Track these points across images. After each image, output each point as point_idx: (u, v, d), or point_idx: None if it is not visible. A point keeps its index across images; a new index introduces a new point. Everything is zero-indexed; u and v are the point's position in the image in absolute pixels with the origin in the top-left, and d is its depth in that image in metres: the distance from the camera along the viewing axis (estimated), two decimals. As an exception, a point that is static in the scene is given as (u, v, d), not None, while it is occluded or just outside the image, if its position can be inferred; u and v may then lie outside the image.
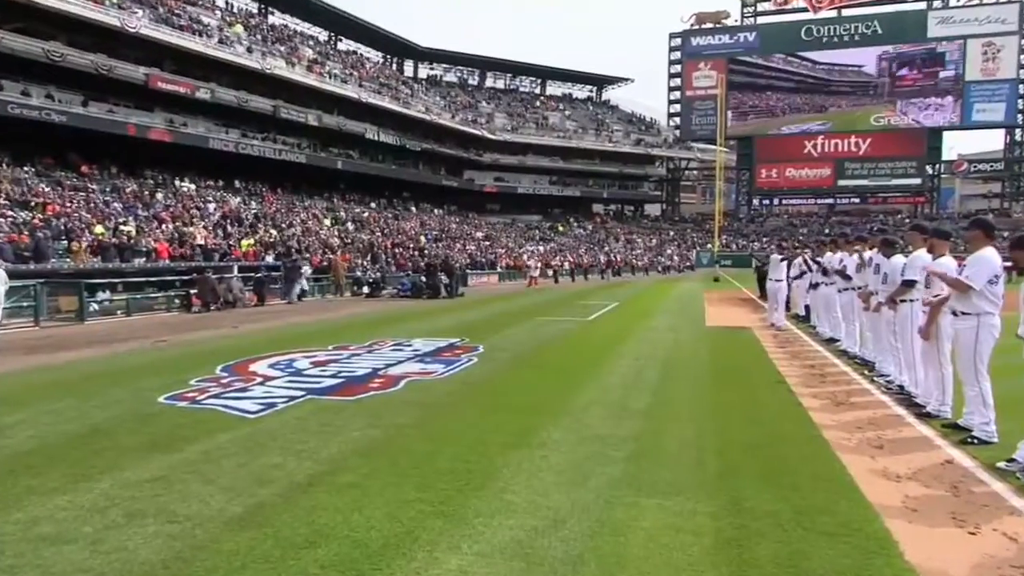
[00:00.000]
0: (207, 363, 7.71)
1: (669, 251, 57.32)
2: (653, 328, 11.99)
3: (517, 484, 3.71)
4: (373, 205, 42.14)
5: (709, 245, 54.07)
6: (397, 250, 31.93)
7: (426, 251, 33.55)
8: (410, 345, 9.43)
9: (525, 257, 38.37)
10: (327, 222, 32.66)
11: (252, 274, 18.99)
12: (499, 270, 37.04)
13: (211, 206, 26.59)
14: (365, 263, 26.69)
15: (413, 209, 46.75)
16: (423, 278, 22.14)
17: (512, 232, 52.60)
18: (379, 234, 34.52)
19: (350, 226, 33.73)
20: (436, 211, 49.47)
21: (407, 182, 47.33)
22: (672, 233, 63.48)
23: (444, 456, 4.21)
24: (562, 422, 5.07)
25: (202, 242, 21.41)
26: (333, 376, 7.00)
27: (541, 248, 48.19)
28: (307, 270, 21.15)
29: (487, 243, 44.36)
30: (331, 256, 24.55)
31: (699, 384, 6.78)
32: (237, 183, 32.62)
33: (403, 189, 47.83)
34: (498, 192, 57.58)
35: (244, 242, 23.33)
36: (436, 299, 20.32)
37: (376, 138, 42.32)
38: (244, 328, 12.08)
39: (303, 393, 6.09)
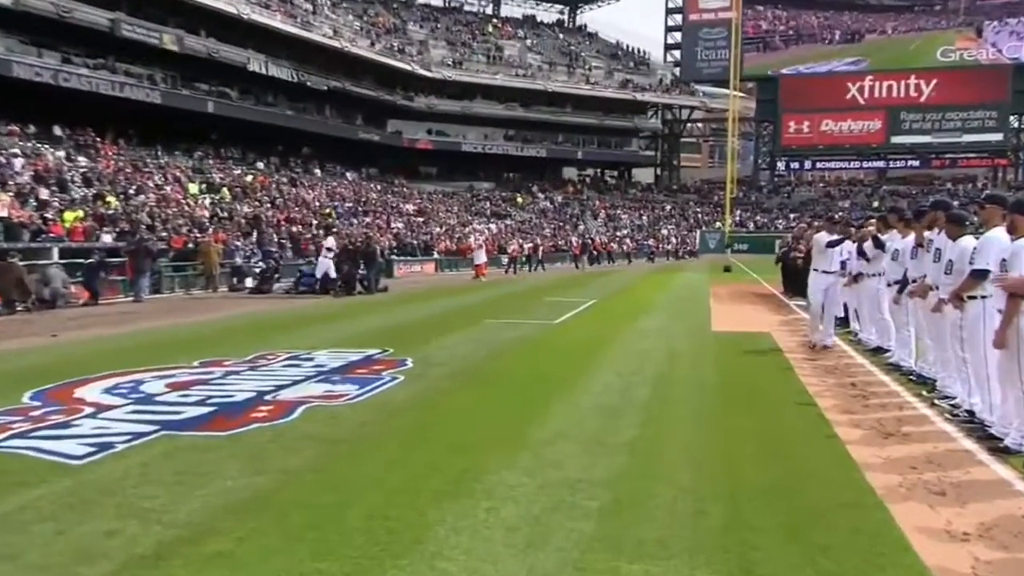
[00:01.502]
0: (9, 388, 7.48)
1: (665, 231, 58.34)
2: (642, 333, 12.22)
3: (455, 547, 3.70)
4: (260, 165, 41.52)
5: (719, 223, 55.22)
6: (295, 228, 31.55)
7: (335, 229, 33.18)
8: (311, 359, 9.47)
9: (471, 239, 38.48)
10: (193, 188, 32.02)
11: (81, 260, 18.66)
12: (436, 256, 37.05)
13: (18, 162, 25.56)
14: (248, 246, 26.27)
15: (317, 171, 46.35)
16: (334, 267, 21.84)
17: (454, 204, 52.61)
18: (268, 205, 34.03)
19: (227, 193, 33.16)
20: (349, 174, 49.10)
21: (308, 133, 46.92)
22: (669, 207, 64.66)
23: (355, 511, 4.19)
24: (518, 461, 5.11)
25: (4, 214, 20.70)
26: (199, 403, 6.97)
27: (493, 227, 48.33)
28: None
29: (420, 220, 44.30)
30: (199, 237, 24.08)
31: (701, 408, 6.91)
32: (57, 129, 31.51)
33: (303, 143, 47.36)
34: (435, 150, 57.46)
35: (69, 215, 22.82)
36: (350, 296, 20.30)
37: (263, 71, 41.69)
38: (68, 337, 11.87)
39: (154, 428, 6.01)
